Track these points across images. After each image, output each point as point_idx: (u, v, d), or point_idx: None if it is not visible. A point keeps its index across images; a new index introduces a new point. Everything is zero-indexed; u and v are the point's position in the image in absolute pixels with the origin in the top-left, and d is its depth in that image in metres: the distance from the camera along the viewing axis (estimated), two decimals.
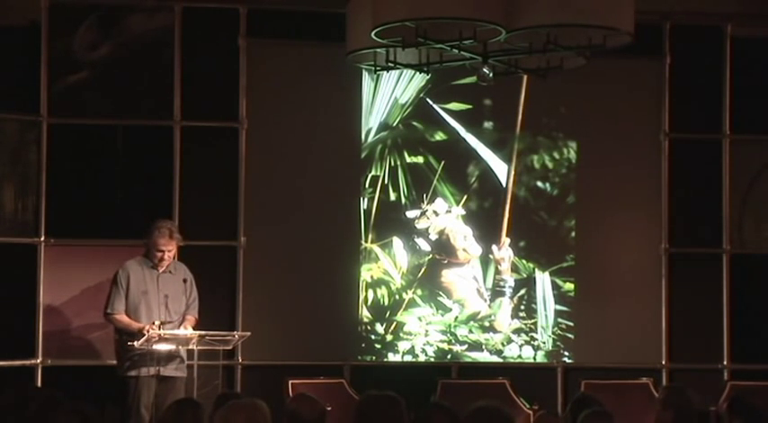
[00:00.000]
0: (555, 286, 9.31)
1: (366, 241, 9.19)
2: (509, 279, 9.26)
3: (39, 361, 8.74)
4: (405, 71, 8.51)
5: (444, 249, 9.26)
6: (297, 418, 4.97)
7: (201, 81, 9.05)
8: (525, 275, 9.31)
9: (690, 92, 9.48)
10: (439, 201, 9.25)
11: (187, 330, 7.88)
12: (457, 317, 9.24)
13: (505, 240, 9.26)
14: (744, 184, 9.53)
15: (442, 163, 9.24)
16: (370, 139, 9.24)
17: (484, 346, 9.25)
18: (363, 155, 9.23)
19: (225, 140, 9.09)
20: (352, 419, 4.82)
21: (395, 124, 9.27)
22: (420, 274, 9.24)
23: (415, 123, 9.28)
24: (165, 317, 7.85)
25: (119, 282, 7.97)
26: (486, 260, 9.27)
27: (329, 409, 5.16)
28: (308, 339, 9.03)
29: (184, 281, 8.03)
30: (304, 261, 9.09)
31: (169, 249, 7.98)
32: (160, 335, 7.66)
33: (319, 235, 9.10)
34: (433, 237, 9.24)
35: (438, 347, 9.23)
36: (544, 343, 9.29)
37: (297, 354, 8.97)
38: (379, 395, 4.88)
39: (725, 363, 9.37)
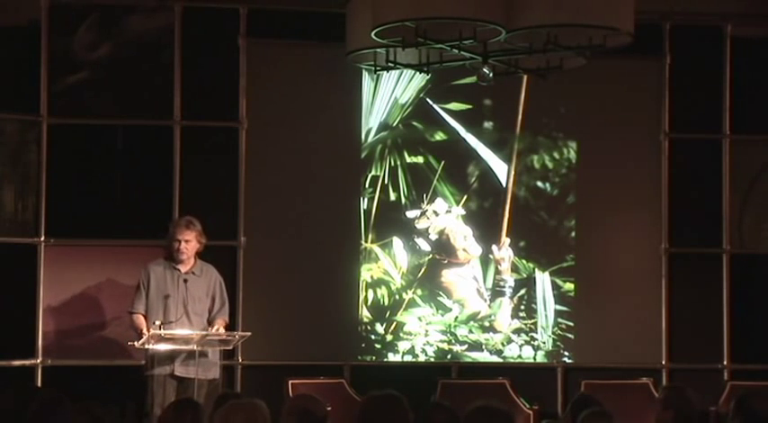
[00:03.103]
0: (555, 286, 9.30)
1: (366, 241, 9.18)
2: (509, 279, 9.26)
3: (39, 361, 8.73)
4: (405, 71, 8.50)
5: (444, 249, 9.26)
6: (298, 418, 4.97)
7: (201, 81, 9.04)
8: (525, 275, 9.30)
9: (690, 92, 9.46)
10: (439, 201, 9.24)
11: (188, 330, 7.86)
12: (457, 317, 9.24)
13: (505, 240, 9.26)
14: (744, 184, 9.52)
15: (442, 163, 9.24)
16: (370, 139, 9.24)
17: (484, 346, 9.25)
18: (363, 155, 9.23)
19: (225, 140, 9.09)
20: (356, 419, 4.82)
21: (395, 124, 9.27)
22: (420, 274, 9.23)
23: (415, 123, 9.28)
24: (184, 319, 7.85)
25: (141, 282, 7.99)
26: (486, 260, 9.27)
27: (329, 409, 5.16)
28: (308, 339, 9.02)
29: (212, 283, 8.04)
30: (304, 261, 9.09)
31: (186, 239, 7.95)
32: (160, 335, 7.65)
33: (319, 235, 9.10)
34: (433, 237, 9.24)
35: (438, 347, 9.22)
36: (544, 343, 9.28)
37: (297, 354, 8.96)
38: (383, 395, 4.88)
39: (725, 363, 9.36)
